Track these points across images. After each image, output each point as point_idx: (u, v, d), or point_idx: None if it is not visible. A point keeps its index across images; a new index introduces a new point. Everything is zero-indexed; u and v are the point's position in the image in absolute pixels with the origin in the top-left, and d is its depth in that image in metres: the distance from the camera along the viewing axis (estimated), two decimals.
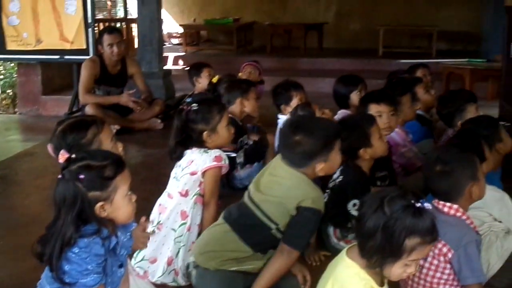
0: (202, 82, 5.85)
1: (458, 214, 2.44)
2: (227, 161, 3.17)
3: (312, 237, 3.07)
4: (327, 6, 12.84)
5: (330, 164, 2.74)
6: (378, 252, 2.01)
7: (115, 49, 6.24)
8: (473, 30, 11.68)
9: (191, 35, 12.29)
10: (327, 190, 3.45)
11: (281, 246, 2.68)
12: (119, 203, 2.11)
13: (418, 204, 2.02)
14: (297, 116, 3.66)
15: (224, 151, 3.25)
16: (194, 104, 3.18)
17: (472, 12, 11.75)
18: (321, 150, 2.70)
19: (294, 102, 4.30)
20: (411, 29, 11.88)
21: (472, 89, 6.83)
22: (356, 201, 3.21)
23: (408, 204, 2.01)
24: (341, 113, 4.40)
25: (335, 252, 2.79)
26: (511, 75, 6.32)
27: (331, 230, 3.38)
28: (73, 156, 2.12)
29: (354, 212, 3.23)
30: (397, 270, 2.04)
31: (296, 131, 2.72)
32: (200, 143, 3.16)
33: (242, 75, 6.00)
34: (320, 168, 2.70)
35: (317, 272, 2.48)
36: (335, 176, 3.44)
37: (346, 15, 12.70)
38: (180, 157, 3.19)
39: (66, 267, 2.05)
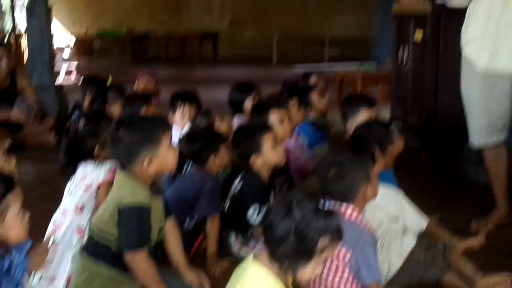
0: None
1: (354, 215, 2.51)
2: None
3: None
4: (221, 15, 12.93)
5: (161, 160, 2.58)
6: (291, 255, 2.03)
7: (2, 63, 6.04)
8: (363, 36, 12.06)
9: (83, 46, 12.08)
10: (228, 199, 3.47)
11: None
12: (11, 222, 2.04)
13: (326, 205, 2.07)
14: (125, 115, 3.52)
15: None
16: (82, 119, 3.11)
17: (362, 19, 12.14)
18: (144, 143, 2.55)
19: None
20: (304, 36, 12.14)
21: (363, 92, 7.03)
22: (255, 207, 3.24)
23: (318, 206, 2.06)
24: (237, 117, 4.44)
25: (238, 259, 2.79)
26: (400, 78, 6.55)
27: (232, 237, 3.39)
28: None
29: (254, 219, 3.26)
30: (308, 271, 2.07)
31: (119, 127, 2.60)
32: (93, 158, 3.09)
33: (137, 85, 5.93)
34: (149, 164, 2.55)
35: (221, 280, 2.46)
36: (235, 184, 3.46)
37: (240, 23, 12.82)
38: (72, 173, 3.10)
39: None
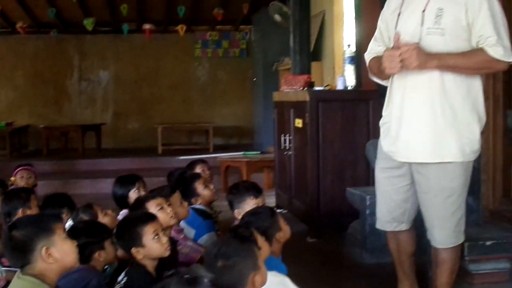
0: None
1: None
2: (4, 274, 2.98)
3: None
4: (104, 108, 12.88)
5: (59, 251, 2.52)
6: None
7: None
8: (246, 124, 12.36)
9: None
10: None
11: None
12: None
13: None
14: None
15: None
16: None
17: (245, 108, 12.46)
18: (38, 235, 2.49)
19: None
20: (188, 126, 12.27)
21: (249, 180, 7.11)
22: None
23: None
24: (123, 214, 4.34)
25: None
26: (283, 165, 6.70)
27: None
28: None
29: None
30: None
31: (10, 229, 2.54)
32: None
33: (15, 179, 5.73)
34: (47, 256, 2.47)
35: None
36: (120, 278, 3.35)
37: (123, 115, 12.81)
38: None
39: None
